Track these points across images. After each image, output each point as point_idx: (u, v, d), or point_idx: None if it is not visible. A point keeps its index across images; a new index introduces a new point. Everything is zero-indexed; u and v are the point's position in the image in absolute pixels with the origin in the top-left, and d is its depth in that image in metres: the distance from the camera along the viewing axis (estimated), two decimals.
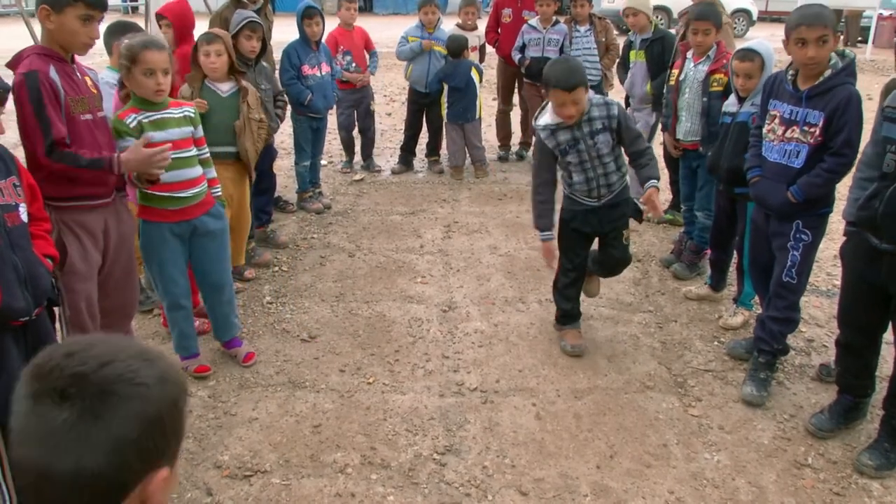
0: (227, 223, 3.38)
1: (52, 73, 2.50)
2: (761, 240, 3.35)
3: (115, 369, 0.90)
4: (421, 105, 6.56)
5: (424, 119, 6.65)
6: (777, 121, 3.10)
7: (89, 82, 2.72)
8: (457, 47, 6.20)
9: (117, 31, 3.63)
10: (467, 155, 6.65)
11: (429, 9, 6.35)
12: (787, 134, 3.05)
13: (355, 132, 6.54)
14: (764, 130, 3.19)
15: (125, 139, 2.90)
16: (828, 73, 2.94)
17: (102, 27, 3.41)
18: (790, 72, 3.07)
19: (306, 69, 5.30)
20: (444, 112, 6.43)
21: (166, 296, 3.23)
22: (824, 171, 2.97)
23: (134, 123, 2.89)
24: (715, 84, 4.11)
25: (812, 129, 2.96)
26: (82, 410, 0.87)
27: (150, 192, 3.00)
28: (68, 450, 0.87)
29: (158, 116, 2.95)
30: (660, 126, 5.28)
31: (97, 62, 13.29)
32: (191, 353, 3.38)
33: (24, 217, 2.27)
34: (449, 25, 6.83)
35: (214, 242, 3.29)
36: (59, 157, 2.43)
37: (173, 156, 3.01)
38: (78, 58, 2.73)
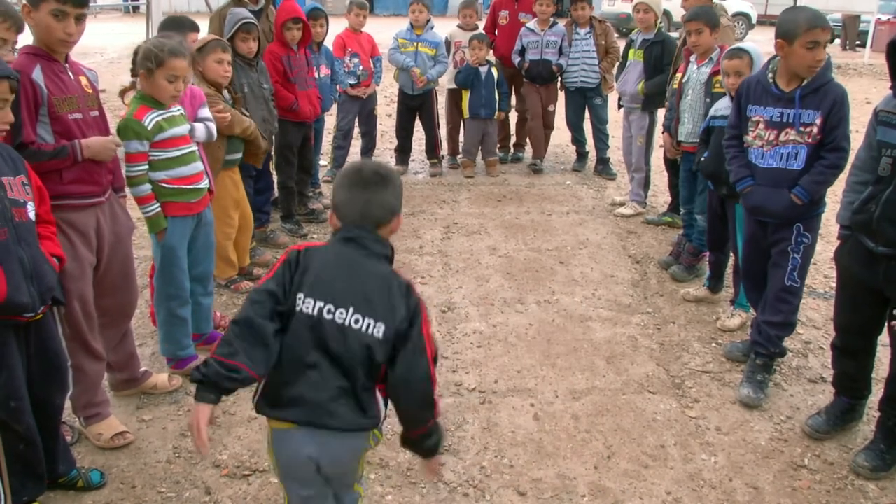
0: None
1: (36, 74, 2.50)
2: (757, 250, 3.34)
3: (386, 167, 2.01)
4: (410, 107, 6.59)
5: (418, 120, 6.68)
6: (762, 126, 3.11)
7: (84, 81, 2.72)
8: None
9: (171, 27, 3.64)
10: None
11: (416, 7, 6.37)
12: (782, 137, 3.06)
13: (353, 139, 6.53)
14: (749, 138, 3.18)
15: (141, 142, 2.97)
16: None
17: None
18: (769, 74, 3.09)
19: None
20: (466, 109, 6.54)
21: (177, 295, 3.26)
22: (826, 167, 3.00)
23: (152, 124, 2.99)
24: (717, 85, 4.13)
25: (809, 129, 2.99)
26: (386, 180, 1.93)
27: (175, 185, 3.12)
28: (386, 195, 1.92)
29: (170, 114, 3.08)
30: (658, 128, 5.32)
31: (97, 61, 13.27)
32: (192, 354, 3.40)
33: (32, 215, 2.30)
34: (449, 27, 6.86)
35: (210, 231, 3.44)
36: (25, 156, 2.45)
37: (185, 150, 3.13)
38: (74, 57, 2.73)
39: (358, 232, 1.90)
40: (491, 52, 6.86)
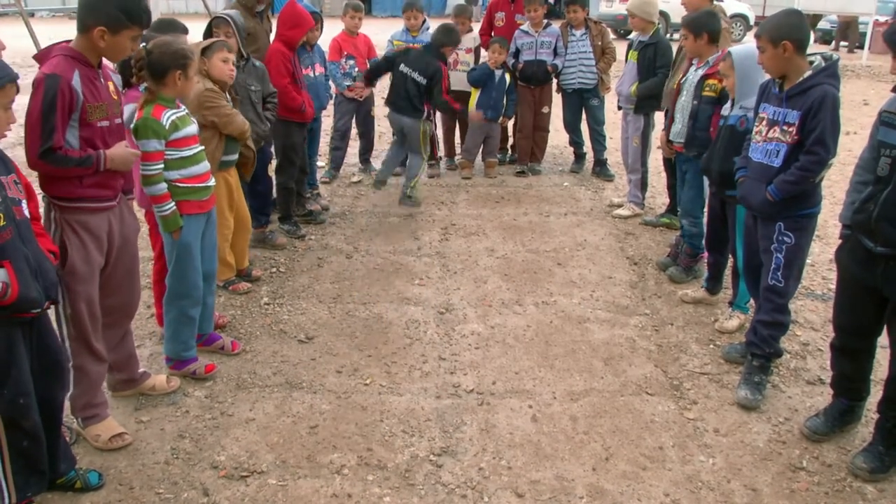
0: None
1: (76, 80, 2.52)
2: (753, 242, 3.38)
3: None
4: None
5: None
6: (764, 122, 3.18)
7: (111, 87, 2.74)
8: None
9: (163, 30, 3.67)
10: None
11: (410, 13, 6.41)
12: (770, 134, 3.12)
13: (350, 140, 6.53)
14: (753, 132, 3.26)
15: (159, 141, 2.98)
16: (808, 73, 3.01)
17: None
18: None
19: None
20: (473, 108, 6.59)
21: (190, 294, 3.27)
22: (797, 168, 3.03)
23: (168, 123, 3.02)
24: (707, 89, 4.13)
25: (790, 129, 3.03)
26: (441, 29, 5.63)
27: (189, 184, 3.14)
28: (440, 35, 5.56)
29: (181, 114, 3.11)
30: (656, 129, 5.31)
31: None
32: (194, 356, 3.39)
33: (26, 213, 2.32)
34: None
35: (214, 230, 3.46)
36: (51, 160, 2.49)
37: (196, 149, 3.17)
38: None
39: (430, 46, 5.45)
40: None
